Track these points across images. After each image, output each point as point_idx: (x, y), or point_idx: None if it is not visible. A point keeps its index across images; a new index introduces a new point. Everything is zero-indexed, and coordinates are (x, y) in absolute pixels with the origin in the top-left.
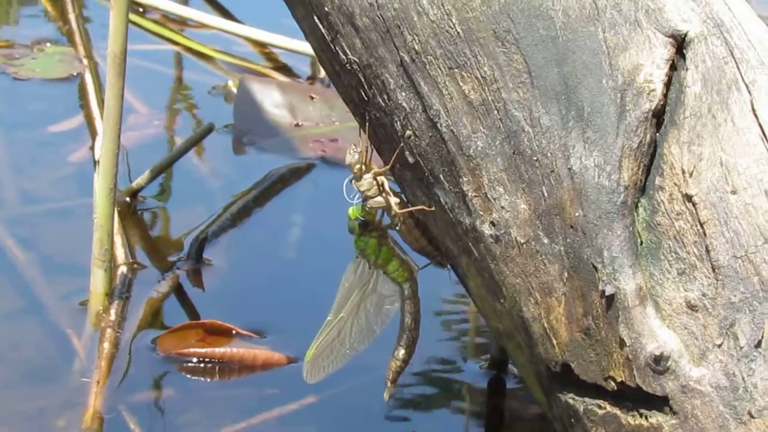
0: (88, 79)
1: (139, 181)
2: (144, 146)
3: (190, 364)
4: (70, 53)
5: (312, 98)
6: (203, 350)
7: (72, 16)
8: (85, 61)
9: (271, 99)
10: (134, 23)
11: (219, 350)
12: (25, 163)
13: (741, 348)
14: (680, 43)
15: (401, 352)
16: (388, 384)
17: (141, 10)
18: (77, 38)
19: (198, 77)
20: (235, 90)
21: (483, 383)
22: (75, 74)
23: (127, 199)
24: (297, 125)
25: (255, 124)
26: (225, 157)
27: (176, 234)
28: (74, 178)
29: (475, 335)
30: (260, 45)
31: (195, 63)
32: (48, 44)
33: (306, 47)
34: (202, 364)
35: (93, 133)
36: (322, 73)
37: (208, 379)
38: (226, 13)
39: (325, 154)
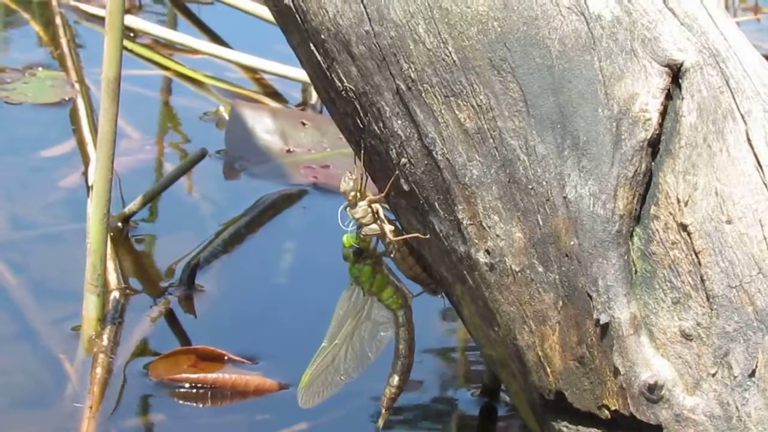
0: (80, 104)
1: (132, 206)
2: (136, 172)
3: (182, 390)
4: (62, 78)
5: (304, 124)
6: (195, 376)
7: (63, 41)
8: (77, 86)
9: (263, 125)
10: (126, 48)
11: (211, 376)
12: (16, 187)
13: (735, 377)
14: (676, 73)
15: (395, 379)
16: (383, 411)
17: (132, 34)
18: (69, 63)
19: (190, 103)
20: (226, 116)
21: (475, 411)
22: (67, 99)
23: (119, 224)
24: (288, 151)
25: (246, 150)
26: (216, 183)
27: (168, 260)
28: (66, 203)
29: (468, 363)
30: (252, 71)
31: (186, 89)
32: (40, 69)
33: (298, 73)
34: (194, 390)
35: (85, 159)
36: (314, 99)
37: (200, 405)
38: (217, 39)
39: (317, 181)
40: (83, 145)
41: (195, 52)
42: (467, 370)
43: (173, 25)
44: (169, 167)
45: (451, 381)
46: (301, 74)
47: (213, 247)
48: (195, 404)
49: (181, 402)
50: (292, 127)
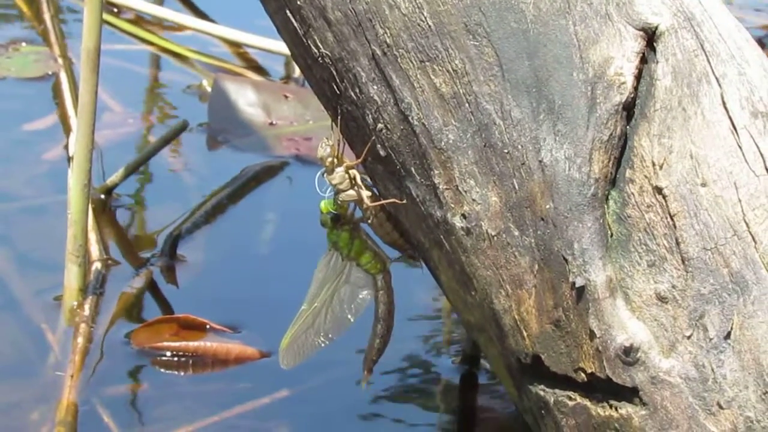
0: (63, 78)
1: (114, 178)
2: (119, 145)
3: (163, 358)
4: (45, 53)
5: (286, 97)
6: (177, 344)
7: (47, 16)
8: (60, 61)
9: (246, 98)
10: (109, 23)
11: (192, 344)
12: None
13: (710, 339)
14: (651, 37)
15: (376, 341)
16: (365, 373)
17: (116, 10)
18: (52, 38)
19: (173, 77)
20: (209, 89)
21: (455, 378)
22: (50, 73)
23: (102, 196)
24: (271, 124)
25: (229, 123)
26: (200, 156)
27: (150, 231)
28: (48, 176)
29: (447, 329)
30: (235, 45)
31: (169, 63)
32: (23, 44)
33: (280, 47)
34: (175, 358)
35: (68, 132)
36: (297, 73)
37: (182, 373)
38: (200, 14)
39: (299, 153)
40: (66, 118)
41: (179, 27)
42: (448, 337)
43: (158, 0)
44: (152, 141)
45: (431, 349)
46: (284, 48)
47: (195, 218)
48: (176, 372)
49: (162, 370)
50: (274, 100)
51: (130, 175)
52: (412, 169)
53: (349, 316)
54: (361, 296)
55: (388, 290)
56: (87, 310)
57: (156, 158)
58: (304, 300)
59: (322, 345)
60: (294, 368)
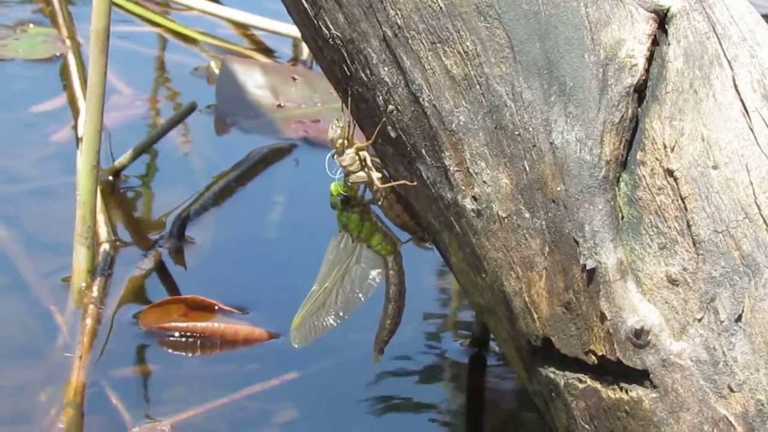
0: (71, 59)
1: (122, 160)
2: (127, 127)
3: (171, 339)
4: (53, 34)
5: (294, 79)
6: (185, 324)
7: None
8: (68, 42)
9: (254, 80)
10: (117, 5)
11: (201, 325)
12: (8, 142)
13: (721, 322)
14: (662, 19)
15: (387, 321)
16: (375, 353)
17: None
18: (60, 19)
19: (181, 59)
20: (217, 71)
21: (465, 360)
22: (58, 55)
23: (110, 178)
24: (279, 106)
25: (237, 105)
26: (207, 138)
27: (158, 213)
28: (57, 157)
29: (456, 311)
30: (242, 27)
31: (177, 45)
32: (31, 25)
33: (289, 29)
34: (183, 339)
35: (76, 113)
36: (305, 55)
37: (190, 354)
38: None
39: (307, 135)
40: (74, 100)
41: (186, 8)
42: (457, 320)
43: None
44: (160, 123)
45: (440, 331)
46: (292, 30)
47: (203, 200)
48: (185, 353)
49: (170, 351)
50: (282, 82)
51: (138, 157)
52: (423, 151)
53: (360, 296)
54: (371, 276)
55: (399, 271)
56: (95, 291)
57: (164, 140)
58: (315, 281)
59: (334, 324)
60: (303, 349)
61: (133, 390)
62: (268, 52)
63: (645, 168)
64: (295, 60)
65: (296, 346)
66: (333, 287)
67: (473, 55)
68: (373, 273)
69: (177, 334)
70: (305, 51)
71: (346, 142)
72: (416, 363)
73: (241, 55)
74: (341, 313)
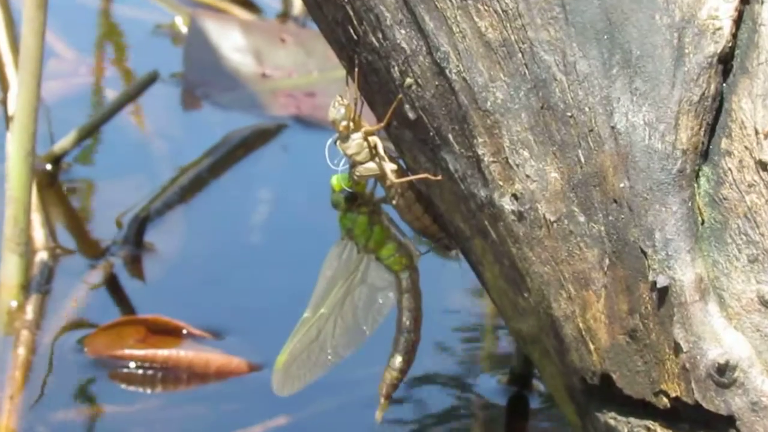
0: None
1: (63, 144)
2: (68, 100)
3: (126, 371)
4: None
5: (283, 41)
6: (143, 352)
7: None
8: None
9: (231, 41)
10: None
11: (163, 353)
12: None
13: None
14: None
15: (398, 360)
16: (382, 400)
17: None
18: None
19: (137, 13)
20: (185, 30)
21: (501, 402)
22: None
23: (48, 166)
24: (264, 75)
25: (210, 74)
26: (172, 116)
27: (110, 212)
28: None
29: (492, 341)
30: None
31: None
32: None
33: None
34: (141, 371)
35: (3, 83)
36: (297, 9)
37: (149, 391)
38: None
39: (300, 113)
40: (1, 66)
41: None
42: (492, 351)
43: None
44: (111, 95)
45: (470, 366)
46: None
47: (167, 197)
48: (143, 389)
49: (125, 386)
50: (268, 44)
51: (83, 140)
52: (450, 137)
53: (365, 327)
54: (380, 301)
55: (414, 293)
56: (30, 312)
57: (116, 119)
58: (308, 305)
59: (329, 364)
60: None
61: None
62: (249, 5)
63: (731, 159)
64: (285, 16)
65: (279, 394)
66: (330, 314)
67: (514, 15)
68: (383, 296)
69: (133, 364)
70: (297, 4)
71: (351, 124)
72: (438, 407)
73: (215, 9)
74: (339, 350)
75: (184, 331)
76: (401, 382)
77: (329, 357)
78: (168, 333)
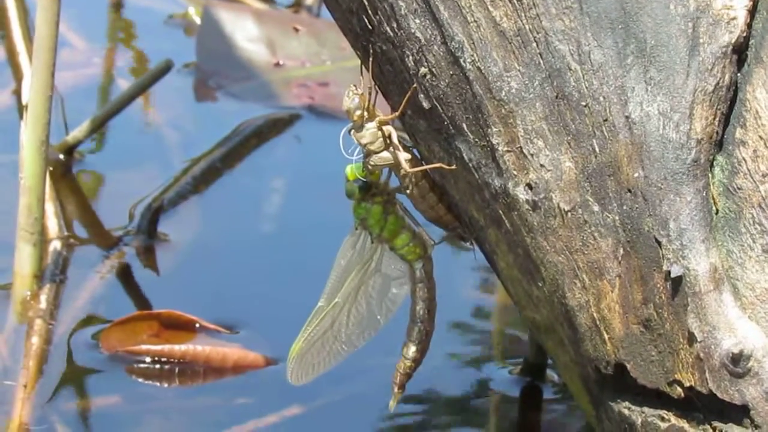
0: (10, 3)
1: (77, 134)
2: (82, 91)
3: (141, 366)
4: None
5: (296, 30)
6: (158, 348)
7: None
8: None
9: (244, 31)
10: None
11: (179, 348)
12: None
13: None
14: None
15: (412, 349)
16: (395, 389)
17: None
18: None
19: (150, 3)
20: (198, 20)
21: (514, 392)
22: None
23: (62, 156)
24: (277, 65)
25: (223, 64)
26: (185, 106)
27: (123, 201)
28: None
29: (505, 331)
30: None
31: None
32: None
33: None
34: (157, 366)
35: (17, 73)
36: None
37: (165, 385)
38: None
39: (313, 102)
40: (14, 56)
41: None
42: (505, 340)
43: None
44: (124, 85)
45: (483, 356)
46: None
47: (180, 187)
48: (158, 384)
49: (140, 380)
50: (281, 34)
51: (97, 130)
52: (464, 126)
53: (379, 317)
54: (394, 291)
55: (429, 283)
56: (44, 302)
57: (130, 109)
58: (322, 294)
59: (343, 354)
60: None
61: (91, 430)
62: None
63: (746, 149)
64: (298, 5)
65: (294, 383)
66: (344, 304)
67: (528, 5)
68: (397, 286)
69: (148, 359)
70: None
71: (366, 113)
72: (451, 397)
73: None
74: (354, 340)
75: (198, 326)
76: (415, 372)
77: (343, 346)
78: (182, 327)
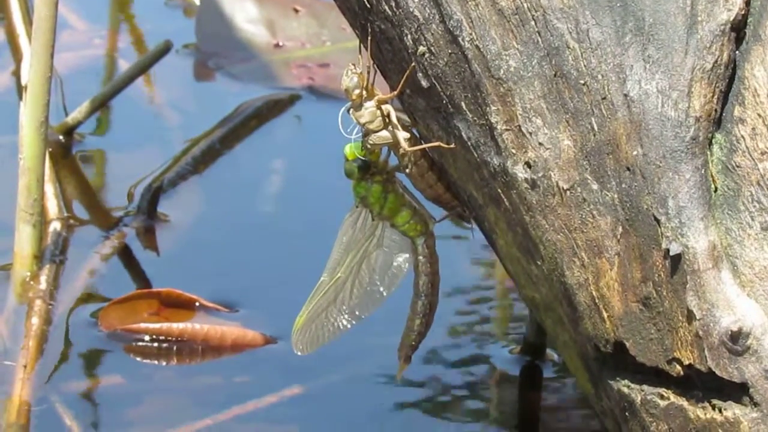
0: None
1: (76, 115)
2: (81, 72)
3: (140, 344)
4: None
5: (296, 11)
6: (158, 326)
7: None
8: None
9: (244, 12)
10: None
11: (178, 326)
12: None
13: None
14: None
15: (416, 322)
16: (400, 362)
17: None
18: None
19: None
20: (197, 1)
21: (514, 371)
22: None
23: (61, 137)
24: (277, 46)
25: (223, 45)
26: (185, 87)
27: (123, 182)
28: None
29: (505, 310)
30: None
31: None
32: None
33: None
34: (156, 344)
35: (16, 54)
36: None
37: (164, 363)
38: None
39: (313, 83)
40: (13, 37)
41: None
42: (505, 319)
43: None
44: (123, 66)
45: (483, 334)
46: None
47: (180, 167)
48: (157, 362)
49: (139, 359)
50: (281, 14)
51: (96, 111)
52: (463, 105)
53: (382, 289)
54: (396, 263)
55: (431, 257)
56: (43, 282)
57: (129, 90)
58: (324, 269)
59: (347, 326)
60: (308, 358)
61: (91, 409)
62: None
63: (744, 127)
64: None
65: (299, 353)
66: (347, 278)
67: None
68: (399, 260)
69: (147, 337)
70: None
71: (365, 92)
72: (452, 375)
73: None
74: (357, 312)
75: (198, 304)
76: (419, 344)
77: (347, 318)
78: (181, 306)
